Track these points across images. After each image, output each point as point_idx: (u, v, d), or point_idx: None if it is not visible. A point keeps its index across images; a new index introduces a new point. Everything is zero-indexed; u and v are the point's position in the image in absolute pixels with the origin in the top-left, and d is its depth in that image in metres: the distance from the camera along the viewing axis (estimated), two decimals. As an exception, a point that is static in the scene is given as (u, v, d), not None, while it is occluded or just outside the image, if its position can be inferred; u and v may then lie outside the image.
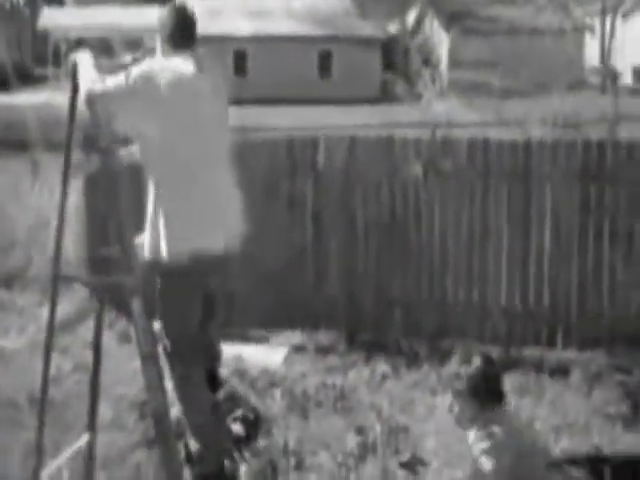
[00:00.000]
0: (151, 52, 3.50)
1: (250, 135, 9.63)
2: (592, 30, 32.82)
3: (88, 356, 4.04)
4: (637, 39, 32.81)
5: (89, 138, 3.13)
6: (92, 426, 3.74)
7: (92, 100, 3.09)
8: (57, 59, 36.97)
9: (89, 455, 3.73)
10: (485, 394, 3.19)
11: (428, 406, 4.77)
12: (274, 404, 4.66)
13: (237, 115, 3.85)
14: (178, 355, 3.25)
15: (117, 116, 3.10)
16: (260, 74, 30.28)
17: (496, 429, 3.14)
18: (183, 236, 3.09)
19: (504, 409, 3.27)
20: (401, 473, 3.97)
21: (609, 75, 29.83)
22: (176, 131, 3.09)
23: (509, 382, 5.07)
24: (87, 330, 4.89)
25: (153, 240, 3.14)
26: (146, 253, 3.16)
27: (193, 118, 3.12)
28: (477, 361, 3.23)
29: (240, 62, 31.02)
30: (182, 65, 3.21)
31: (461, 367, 3.25)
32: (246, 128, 7.82)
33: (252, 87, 29.06)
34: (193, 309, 3.22)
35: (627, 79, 31.50)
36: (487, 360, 3.26)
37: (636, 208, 5.63)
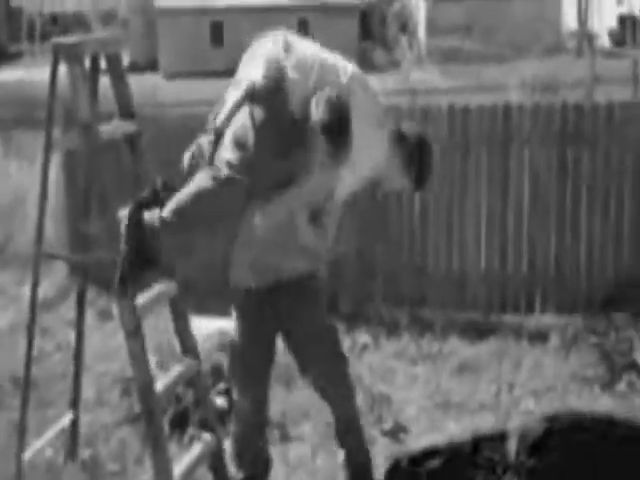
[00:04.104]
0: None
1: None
2: (569, -8, 32.72)
3: (70, 335, 4.05)
4: (613, 1, 32.75)
5: (70, 113, 3.10)
6: (75, 404, 3.76)
7: None
8: (31, 35, 36.47)
9: (73, 433, 3.76)
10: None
11: (409, 375, 4.82)
12: (257, 377, 4.68)
13: (215, 87, 3.78)
14: None
15: None
16: (237, 45, 29.96)
17: None
18: None
19: None
20: (384, 440, 4.03)
21: (586, 38, 29.79)
22: None
23: (489, 348, 5.15)
24: (68, 309, 4.89)
25: None
26: None
27: None
28: None
29: (217, 33, 30.75)
30: None
31: None
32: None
33: (229, 58, 28.81)
34: None
35: (604, 42, 31.47)
36: None
37: (613, 171, 5.68)
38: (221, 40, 30.70)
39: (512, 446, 3.26)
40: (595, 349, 4.89)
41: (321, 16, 31.37)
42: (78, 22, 33.12)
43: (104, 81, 3.24)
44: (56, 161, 6.27)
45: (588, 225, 5.72)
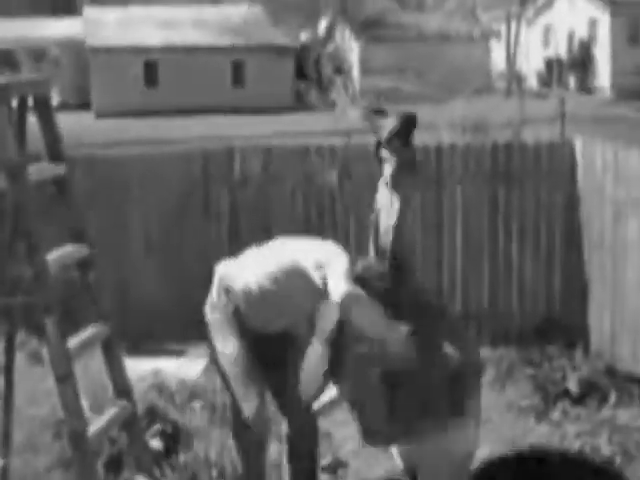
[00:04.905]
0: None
1: (164, 148, 9.44)
2: (498, 36, 33.72)
3: (-2, 379, 3.93)
4: (539, 44, 33.89)
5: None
6: (6, 451, 3.64)
7: None
8: (-39, 73, 35.66)
9: (3, 479, 3.64)
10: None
11: (348, 411, 4.80)
12: (194, 417, 4.62)
13: (149, 126, 3.76)
14: None
15: None
16: (172, 85, 30.00)
17: None
18: None
19: None
20: (323, 476, 4.00)
21: (514, 79, 30.69)
22: None
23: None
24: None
25: None
26: None
27: None
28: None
29: (151, 73, 30.67)
30: None
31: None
32: (160, 140, 7.73)
33: (164, 98, 28.75)
34: None
35: (532, 83, 32.46)
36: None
37: (543, 208, 5.84)
38: (155, 80, 30.62)
39: None
40: (530, 379, 4.98)
41: (257, 57, 31.63)
42: (7, 60, 32.60)
43: (32, 120, 3.21)
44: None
45: (520, 260, 5.86)
